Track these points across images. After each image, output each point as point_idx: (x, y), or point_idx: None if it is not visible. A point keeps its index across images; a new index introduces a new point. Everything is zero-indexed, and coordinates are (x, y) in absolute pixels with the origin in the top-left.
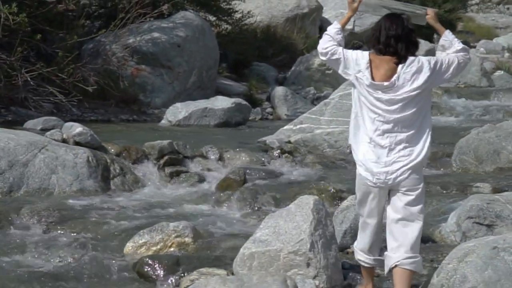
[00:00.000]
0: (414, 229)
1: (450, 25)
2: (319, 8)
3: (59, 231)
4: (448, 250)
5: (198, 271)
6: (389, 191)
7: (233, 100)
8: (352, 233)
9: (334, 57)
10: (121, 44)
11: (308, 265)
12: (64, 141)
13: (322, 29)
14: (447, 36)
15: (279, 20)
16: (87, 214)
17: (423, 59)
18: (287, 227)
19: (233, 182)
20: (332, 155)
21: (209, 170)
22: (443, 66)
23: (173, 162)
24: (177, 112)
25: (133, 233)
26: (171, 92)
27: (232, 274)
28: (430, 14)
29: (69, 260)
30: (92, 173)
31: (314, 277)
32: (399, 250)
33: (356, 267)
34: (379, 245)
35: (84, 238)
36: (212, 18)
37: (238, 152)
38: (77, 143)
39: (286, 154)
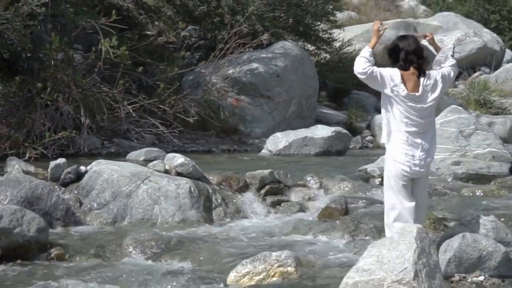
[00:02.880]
0: (425, 208)
1: None
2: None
3: (162, 261)
4: None
5: None
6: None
7: (333, 128)
8: (457, 262)
9: (372, 76)
10: (221, 74)
11: None
12: (166, 172)
13: None
14: (445, 53)
15: (378, 48)
16: (189, 244)
17: (434, 73)
18: (391, 256)
19: (335, 211)
20: (433, 182)
21: (310, 199)
22: (446, 77)
23: (274, 192)
24: (277, 141)
25: (236, 263)
26: (271, 122)
27: None
28: (429, 36)
29: None
30: (194, 204)
31: None
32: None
33: None
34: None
35: (187, 268)
36: (311, 47)
37: (339, 181)
38: (179, 174)
39: None
